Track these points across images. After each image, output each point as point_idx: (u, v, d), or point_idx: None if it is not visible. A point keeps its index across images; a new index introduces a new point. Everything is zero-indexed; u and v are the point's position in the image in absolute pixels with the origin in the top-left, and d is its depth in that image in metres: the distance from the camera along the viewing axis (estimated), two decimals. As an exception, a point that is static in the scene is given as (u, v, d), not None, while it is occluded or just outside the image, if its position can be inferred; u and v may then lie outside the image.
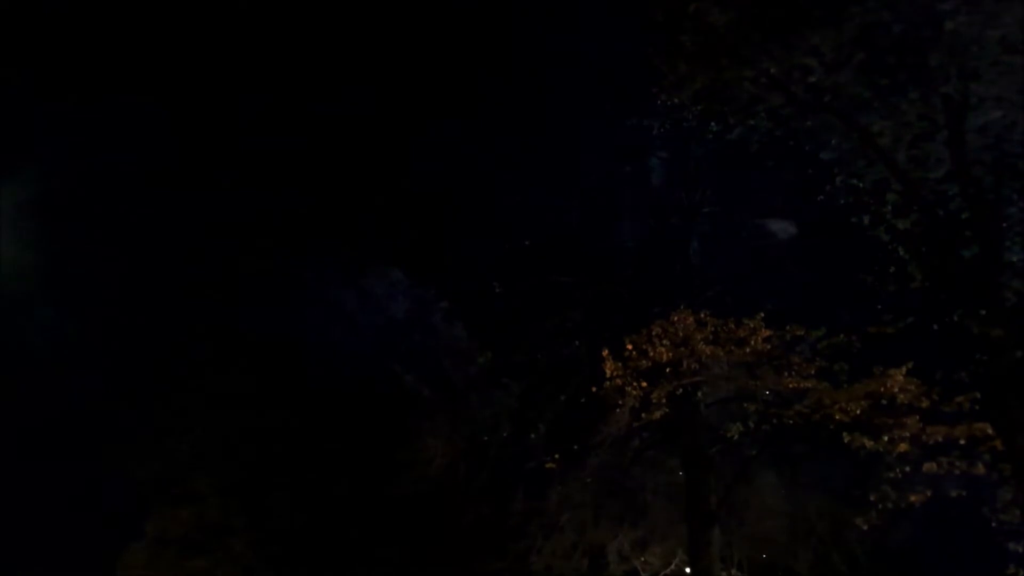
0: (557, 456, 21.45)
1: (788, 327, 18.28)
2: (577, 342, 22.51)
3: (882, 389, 17.25)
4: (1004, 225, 14.73)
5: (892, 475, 17.58)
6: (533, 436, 22.03)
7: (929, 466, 16.97)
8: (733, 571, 21.43)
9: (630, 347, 18.79)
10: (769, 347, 18.26)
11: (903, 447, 17.03)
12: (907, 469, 17.39)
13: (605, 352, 19.05)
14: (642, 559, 21.35)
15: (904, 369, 17.29)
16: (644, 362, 18.62)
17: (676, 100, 15.76)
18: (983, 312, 14.40)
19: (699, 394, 19.40)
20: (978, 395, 15.78)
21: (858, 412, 17.32)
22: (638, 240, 24.13)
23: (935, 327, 15.76)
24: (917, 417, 16.87)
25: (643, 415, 19.22)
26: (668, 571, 21.27)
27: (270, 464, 24.56)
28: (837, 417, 17.53)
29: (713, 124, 16.47)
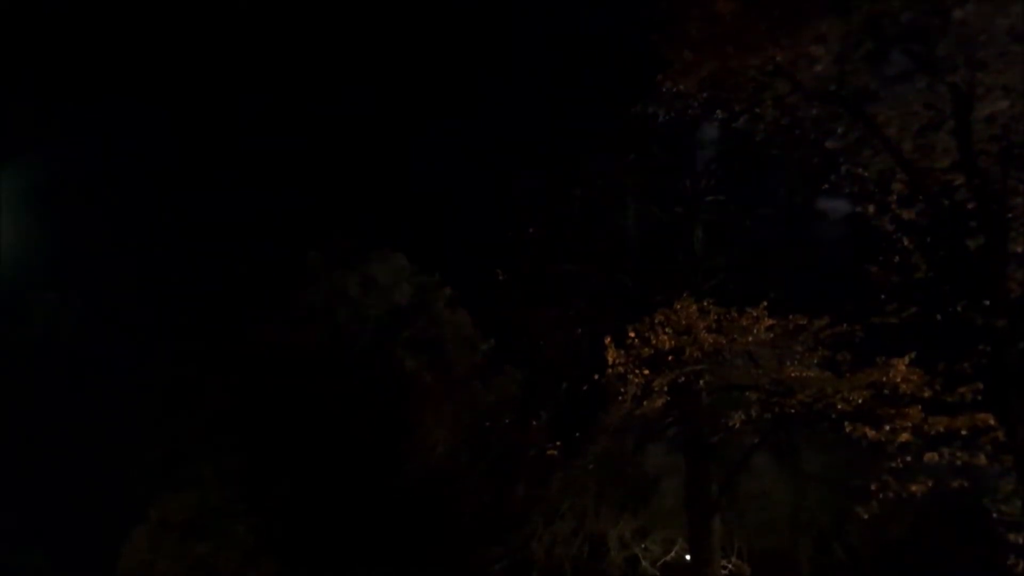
0: (559, 443, 21.48)
1: (791, 316, 18.25)
2: (579, 330, 22.50)
3: (884, 379, 17.22)
4: (1010, 216, 14.68)
5: (893, 465, 17.57)
6: (535, 423, 22.05)
7: (930, 456, 16.95)
8: (734, 559, 21.49)
9: (632, 335, 18.77)
10: (772, 336, 18.23)
11: (905, 437, 17.01)
12: (908, 459, 17.37)
13: (607, 340, 19.04)
14: (643, 546, 21.39)
15: (907, 359, 17.26)
16: (646, 350, 18.60)
17: (681, 88, 15.69)
18: (987, 303, 14.38)
19: (701, 383, 19.38)
20: (981, 386, 15.76)
21: (860, 402, 17.30)
22: (642, 228, 24.07)
23: (939, 317, 15.73)
24: (919, 407, 16.85)
25: (644, 403, 19.23)
26: (669, 559, 21.33)
27: (272, 450, 24.61)
28: (839, 407, 17.51)
29: (718, 112, 16.41)
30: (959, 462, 16.73)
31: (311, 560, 23.08)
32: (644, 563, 21.54)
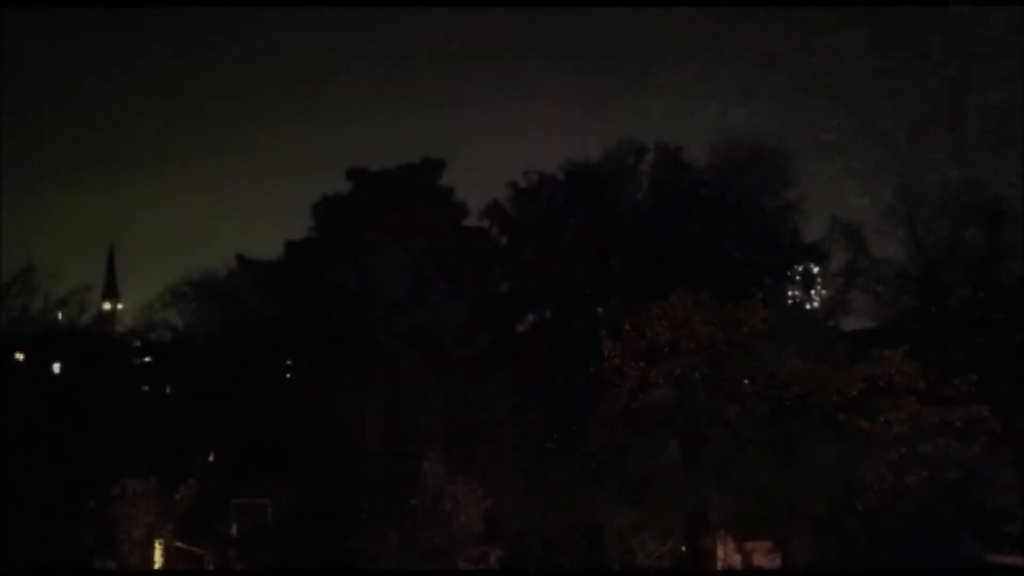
0: (555, 436, 21.45)
1: (788, 309, 18.31)
2: (576, 322, 22.54)
3: (879, 371, 17.28)
4: (1004, 208, 14.76)
5: (889, 457, 17.63)
6: (532, 416, 22.01)
7: (925, 448, 17.02)
8: (730, 551, 21.50)
9: (628, 328, 18.81)
10: (768, 328, 18.27)
11: (899, 429, 17.08)
12: (903, 450, 17.44)
13: (603, 333, 19.08)
14: (639, 538, 21.32)
15: (902, 351, 17.31)
16: (643, 343, 18.65)
17: (678, 80, 15.71)
18: (982, 295, 14.46)
19: (697, 375, 19.37)
20: (976, 377, 15.81)
21: (855, 393, 17.36)
22: (638, 221, 24.10)
23: (934, 309, 15.80)
24: (914, 399, 16.91)
25: (641, 396, 19.25)
26: (665, 550, 21.27)
27: (271, 444, 24.60)
28: (834, 398, 17.57)
29: (714, 104, 16.42)
30: (954, 454, 16.81)
31: (307, 552, 23.02)
32: (641, 555, 21.47)
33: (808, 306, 22.99)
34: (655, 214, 24.37)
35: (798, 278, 23.98)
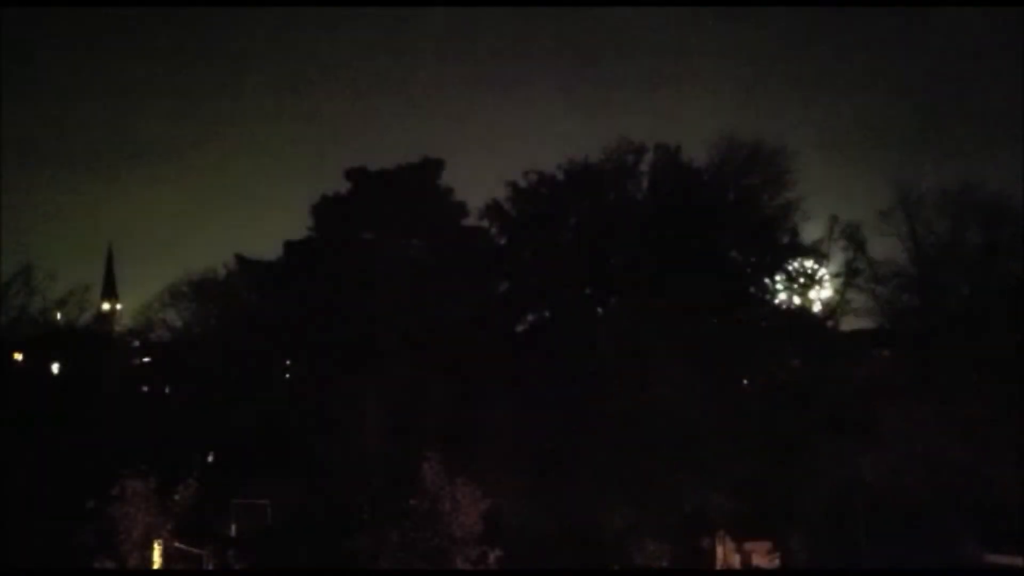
0: (555, 436, 21.48)
1: (785, 306, 18.35)
2: (576, 322, 22.52)
3: (879, 370, 17.34)
4: (1003, 208, 14.80)
5: (888, 456, 17.67)
6: (531, 416, 22.01)
7: (925, 447, 17.06)
8: (729, 551, 21.56)
9: (627, 327, 18.83)
10: (768, 328, 18.32)
11: (898, 428, 17.11)
12: (903, 450, 17.48)
13: (603, 332, 19.09)
14: (639, 538, 21.36)
15: (901, 351, 17.36)
16: (642, 342, 18.67)
17: (678, 79, 15.71)
18: (982, 295, 14.50)
19: (697, 375, 19.40)
20: (976, 378, 15.84)
21: (854, 393, 17.42)
22: (637, 221, 24.12)
23: (933, 309, 15.83)
24: (913, 398, 16.95)
25: (641, 396, 19.28)
26: (664, 550, 21.31)
27: (271, 444, 24.64)
28: (834, 398, 17.62)
29: (714, 104, 16.43)
30: (952, 454, 16.85)
31: (307, 552, 23.03)
32: (640, 555, 21.50)
33: (805, 303, 23.06)
34: (654, 214, 24.40)
35: (798, 277, 24.06)
